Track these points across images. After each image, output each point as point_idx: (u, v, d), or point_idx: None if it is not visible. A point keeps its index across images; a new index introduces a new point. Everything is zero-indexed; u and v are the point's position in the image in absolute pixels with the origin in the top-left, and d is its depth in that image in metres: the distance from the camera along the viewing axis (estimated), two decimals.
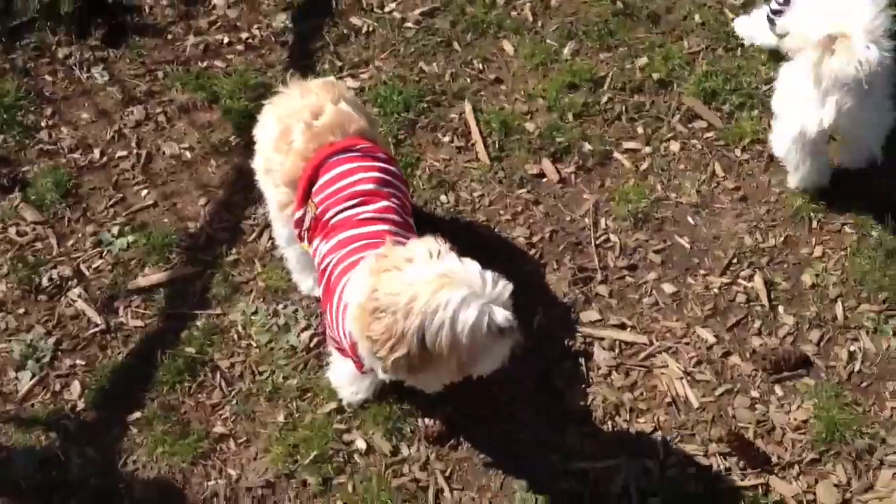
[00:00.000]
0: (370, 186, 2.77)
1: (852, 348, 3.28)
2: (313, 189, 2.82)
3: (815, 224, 3.57)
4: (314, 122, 2.86)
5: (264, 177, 3.01)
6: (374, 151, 2.88)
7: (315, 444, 3.03)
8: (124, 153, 3.77)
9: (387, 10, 4.18)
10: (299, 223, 2.90)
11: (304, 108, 2.89)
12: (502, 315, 2.41)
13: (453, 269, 2.41)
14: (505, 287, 2.44)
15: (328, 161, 2.80)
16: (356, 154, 2.82)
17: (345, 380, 3.08)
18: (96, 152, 3.76)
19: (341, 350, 2.90)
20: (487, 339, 2.44)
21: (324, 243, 2.75)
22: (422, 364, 2.48)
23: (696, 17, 4.14)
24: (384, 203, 2.76)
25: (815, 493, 2.99)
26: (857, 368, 3.24)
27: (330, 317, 2.74)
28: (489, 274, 2.43)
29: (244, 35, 4.14)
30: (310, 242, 2.86)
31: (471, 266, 2.43)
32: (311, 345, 3.27)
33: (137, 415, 3.11)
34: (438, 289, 2.37)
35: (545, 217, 3.59)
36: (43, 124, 3.84)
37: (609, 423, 3.13)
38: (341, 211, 2.74)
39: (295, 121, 2.88)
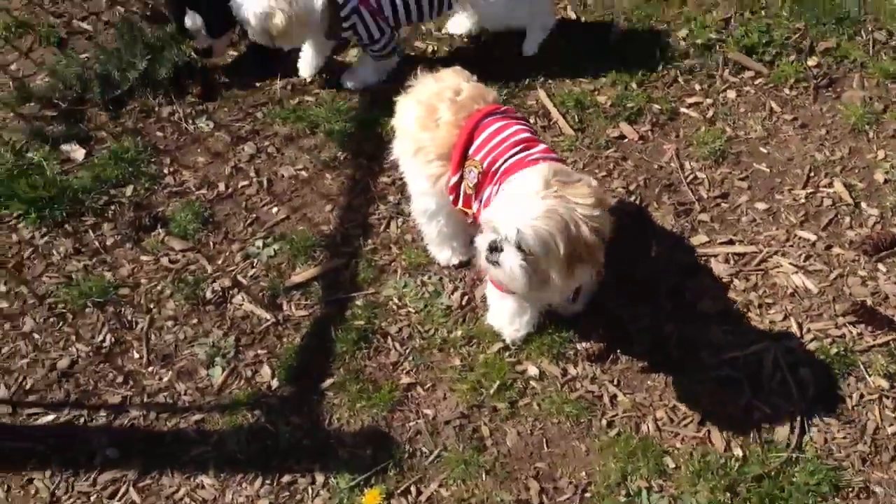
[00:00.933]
0: (527, 135, 3.17)
1: None
2: (470, 151, 3.20)
3: (871, 134, 4.04)
4: (457, 97, 3.26)
5: (413, 158, 3.35)
6: (513, 112, 3.31)
7: (495, 377, 3.36)
8: (246, 182, 4.14)
9: (444, 31, 4.66)
10: (454, 188, 3.28)
11: (443, 89, 3.29)
12: (490, 226, 2.86)
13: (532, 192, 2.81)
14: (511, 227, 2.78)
15: (480, 124, 3.20)
16: (502, 115, 3.24)
17: (506, 319, 3.42)
18: (221, 186, 4.13)
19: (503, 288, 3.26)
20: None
21: (497, 187, 3.10)
22: None
23: None
24: (543, 146, 3.16)
25: None
26: None
27: None
28: (516, 226, 2.77)
29: (324, 73, 4.57)
30: (475, 200, 3.22)
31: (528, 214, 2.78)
32: (464, 302, 3.61)
33: (329, 381, 3.41)
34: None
35: (635, 169, 4.02)
36: (165, 171, 4.21)
37: (744, 318, 3.49)
38: (510, 157, 3.10)
39: (437, 101, 3.27)
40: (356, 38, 4.25)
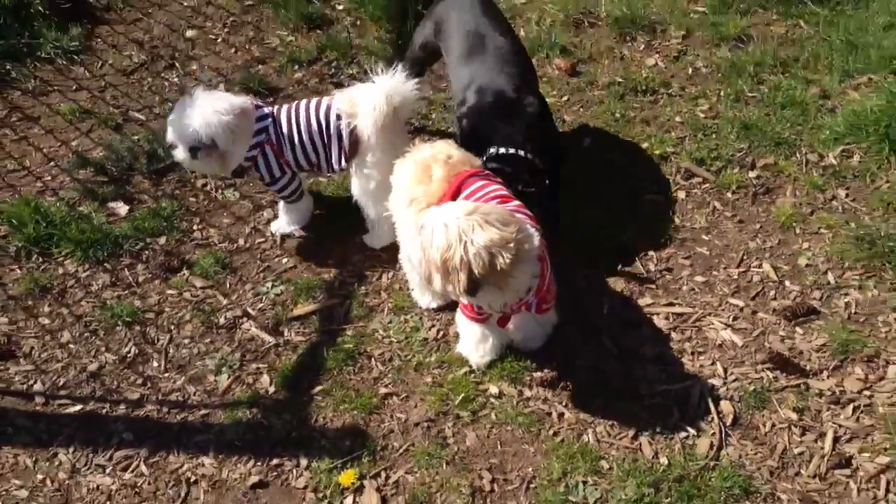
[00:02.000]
0: (504, 192, 3.87)
1: (846, 300, 4.33)
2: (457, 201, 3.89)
3: (798, 230, 4.74)
4: (449, 159, 3.99)
5: (407, 208, 3.97)
6: (494, 176, 4.02)
7: (460, 391, 3.93)
8: (262, 240, 4.85)
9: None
10: None
11: (436, 152, 3.99)
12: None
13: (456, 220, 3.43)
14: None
15: (467, 180, 3.90)
16: (485, 176, 3.96)
17: (472, 346, 4.02)
18: (241, 241, 4.84)
19: (474, 318, 3.89)
20: None
21: None
22: None
23: (678, 118, 5.50)
24: (517, 202, 3.85)
25: (843, 386, 3.94)
26: (853, 311, 4.28)
27: None
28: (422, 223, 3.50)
29: None
30: None
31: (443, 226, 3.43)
32: (438, 336, 4.23)
33: (318, 388, 4.00)
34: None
35: None
36: (195, 227, 4.93)
37: (678, 362, 4.09)
38: None
39: (432, 161, 3.95)
40: (257, 174, 4.53)
